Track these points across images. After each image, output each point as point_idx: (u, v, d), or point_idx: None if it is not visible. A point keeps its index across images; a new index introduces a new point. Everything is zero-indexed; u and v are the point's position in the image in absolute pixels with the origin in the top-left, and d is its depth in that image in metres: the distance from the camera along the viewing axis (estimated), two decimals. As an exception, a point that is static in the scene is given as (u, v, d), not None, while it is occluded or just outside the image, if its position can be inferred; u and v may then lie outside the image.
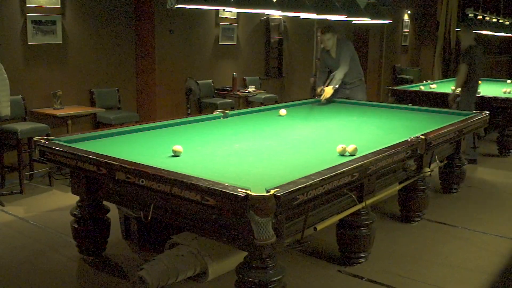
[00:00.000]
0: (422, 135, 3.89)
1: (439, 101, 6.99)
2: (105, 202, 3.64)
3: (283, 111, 5.18)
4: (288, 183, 2.56)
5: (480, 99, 6.78)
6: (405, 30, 12.54)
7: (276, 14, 7.52)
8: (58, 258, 3.77)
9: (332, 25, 5.97)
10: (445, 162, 5.16)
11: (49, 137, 3.60)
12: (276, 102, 7.38)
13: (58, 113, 5.54)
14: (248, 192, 2.38)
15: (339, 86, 5.77)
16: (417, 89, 7.62)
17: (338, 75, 5.74)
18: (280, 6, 4.27)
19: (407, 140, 3.73)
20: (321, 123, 4.85)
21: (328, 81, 6.03)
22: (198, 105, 7.52)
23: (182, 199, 2.63)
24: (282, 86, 8.99)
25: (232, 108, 6.76)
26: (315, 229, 3.13)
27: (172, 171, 2.73)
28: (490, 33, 9.62)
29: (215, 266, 3.29)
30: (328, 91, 5.64)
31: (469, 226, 4.46)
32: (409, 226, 4.45)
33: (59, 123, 5.82)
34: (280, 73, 8.97)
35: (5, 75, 4.79)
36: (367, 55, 11.12)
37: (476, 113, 5.10)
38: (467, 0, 12.23)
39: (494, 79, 9.58)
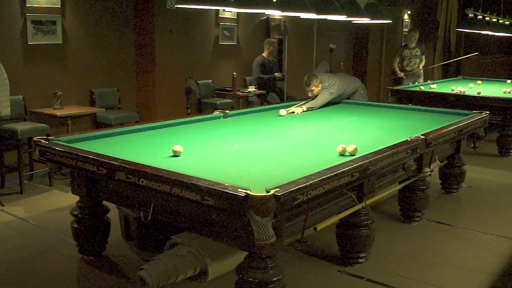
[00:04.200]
0: (422, 135, 3.89)
1: (439, 101, 6.99)
2: (105, 202, 3.64)
3: (283, 111, 5.15)
4: (288, 183, 2.56)
5: (480, 99, 6.79)
6: (405, 30, 12.53)
7: (276, 14, 7.52)
8: (58, 258, 3.77)
9: (312, 75, 5.72)
10: (445, 162, 5.16)
11: (49, 137, 3.60)
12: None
13: (58, 113, 5.54)
14: (248, 192, 2.38)
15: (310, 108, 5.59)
16: (417, 89, 7.62)
17: (312, 103, 5.55)
18: (280, 6, 4.27)
19: (407, 140, 3.73)
20: (321, 123, 4.85)
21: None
22: (198, 105, 7.52)
23: (182, 199, 2.63)
24: (282, 86, 8.98)
25: (232, 108, 6.76)
26: (315, 229, 3.13)
27: (172, 171, 2.74)
28: (490, 33, 9.60)
29: (215, 266, 3.29)
30: (297, 110, 5.34)
31: (469, 226, 4.46)
32: (409, 226, 4.45)
33: (59, 123, 5.82)
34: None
35: (5, 75, 4.80)
36: (367, 55, 11.11)
37: (476, 113, 5.10)
38: (467, 0, 12.23)
39: (494, 79, 9.57)
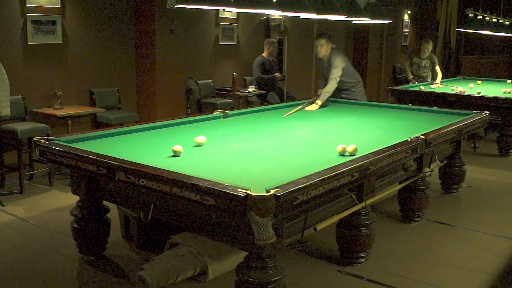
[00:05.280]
0: (422, 135, 3.89)
1: (439, 101, 6.99)
2: (105, 202, 3.64)
3: (200, 138, 3.70)
4: (288, 183, 2.56)
5: (480, 99, 6.80)
6: (405, 30, 12.54)
7: (276, 14, 7.52)
8: (58, 258, 3.77)
9: (326, 33, 5.92)
10: (445, 162, 5.16)
11: (49, 137, 3.60)
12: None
13: (58, 113, 5.54)
14: (248, 192, 2.38)
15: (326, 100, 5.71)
16: (417, 89, 7.62)
17: (326, 89, 5.61)
18: (280, 6, 4.26)
19: (407, 140, 3.73)
20: (321, 123, 4.85)
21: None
22: (198, 105, 7.52)
23: (182, 199, 2.63)
24: (282, 86, 8.99)
25: (232, 108, 6.76)
26: (315, 229, 3.13)
27: (172, 171, 2.73)
28: (490, 33, 9.61)
29: (215, 266, 3.30)
30: (313, 107, 5.47)
31: (469, 226, 4.46)
32: (409, 226, 4.45)
33: (59, 123, 5.82)
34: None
35: (5, 75, 4.79)
36: (367, 55, 11.12)
37: (476, 113, 5.10)
38: (467, 0, 12.24)
39: (494, 79, 9.57)
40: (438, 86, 8.01)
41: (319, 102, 5.50)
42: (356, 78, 6.14)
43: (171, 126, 4.35)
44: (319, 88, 6.18)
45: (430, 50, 8.69)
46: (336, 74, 5.65)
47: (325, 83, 6.10)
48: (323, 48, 5.74)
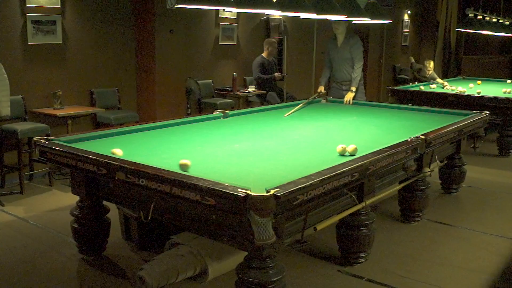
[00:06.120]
0: (422, 135, 3.89)
1: (439, 101, 6.99)
2: (105, 202, 3.64)
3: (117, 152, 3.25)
4: (288, 183, 2.56)
5: (480, 99, 6.80)
6: (405, 30, 12.55)
7: (276, 14, 7.52)
8: (58, 258, 3.77)
9: None
10: (445, 162, 5.16)
11: (49, 137, 3.60)
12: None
13: (58, 113, 5.54)
14: (248, 192, 2.38)
15: (356, 85, 5.94)
16: (417, 89, 7.62)
17: (355, 74, 5.86)
18: (280, 6, 4.26)
19: (407, 140, 3.73)
20: (321, 123, 4.85)
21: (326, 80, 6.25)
22: (198, 105, 7.52)
23: (182, 199, 2.63)
24: (282, 86, 8.99)
25: (232, 108, 6.76)
26: (315, 229, 3.13)
27: (172, 171, 2.74)
28: (490, 33, 9.61)
29: (215, 266, 3.30)
30: (350, 95, 5.80)
31: (469, 226, 4.46)
32: (409, 226, 4.45)
33: (59, 123, 5.82)
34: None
35: (5, 75, 4.79)
36: (367, 55, 11.12)
37: (476, 113, 5.10)
38: (467, 0, 12.24)
39: (494, 79, 9.57)
40: (447, 87, 7.99)
41: (353, 88, 5.79)
42: (361, 74, 6.19)
43: (171, 126, 4.35)
44: (321, 79, 6.24)
45: (431, 70, 8.80)
46: (360, 55, 5.92)
47: (329, 72, 6.19)
48: (341, 27, 5.84)
